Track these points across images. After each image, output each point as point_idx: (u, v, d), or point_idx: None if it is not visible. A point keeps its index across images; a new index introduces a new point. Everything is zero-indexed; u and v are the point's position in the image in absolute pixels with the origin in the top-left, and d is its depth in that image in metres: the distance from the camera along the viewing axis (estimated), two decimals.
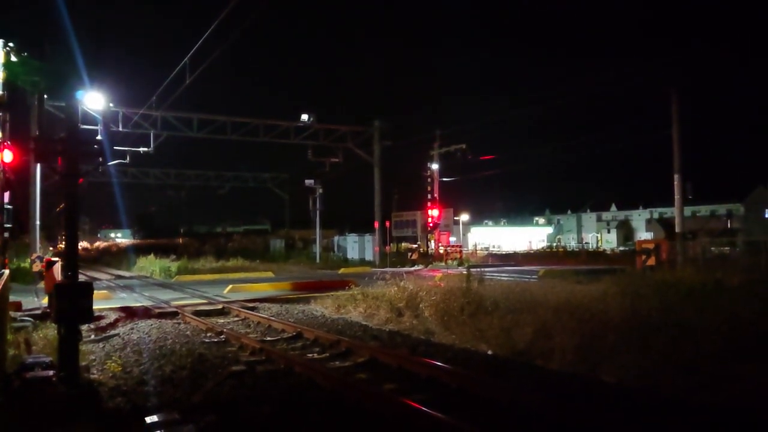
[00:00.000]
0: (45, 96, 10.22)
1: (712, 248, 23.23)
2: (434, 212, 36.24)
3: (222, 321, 13.16)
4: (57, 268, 12.32)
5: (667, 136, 23.82)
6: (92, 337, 11.01)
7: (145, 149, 31.65)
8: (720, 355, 7.40)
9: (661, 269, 16.64)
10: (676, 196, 23.87)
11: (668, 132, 23.76)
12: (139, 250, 39.54)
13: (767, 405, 6.15)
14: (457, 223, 52.21)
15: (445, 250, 37.15)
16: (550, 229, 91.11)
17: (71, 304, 6.80)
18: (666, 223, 61.48)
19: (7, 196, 10.96)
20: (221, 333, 11.10)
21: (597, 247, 66.83)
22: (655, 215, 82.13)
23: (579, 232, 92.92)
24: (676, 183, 23.74)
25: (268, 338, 10.82)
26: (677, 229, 23.71)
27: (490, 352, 9.11)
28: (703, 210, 74.04)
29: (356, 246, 42.53)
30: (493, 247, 62.60)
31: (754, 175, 71.19)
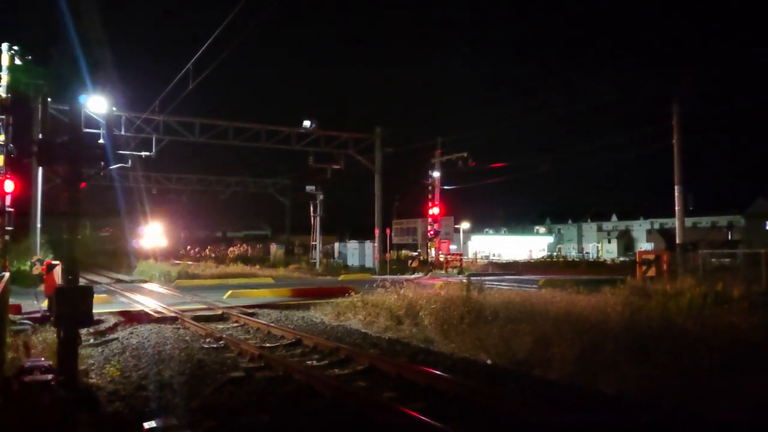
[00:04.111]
0: (48, 99, 10.26)
1: (713, 260, 23.19)
2: (435, 220, 36.23)
3: (221, 326, 13.14)
4: (57, 272, 12.32)
5: (669, 146, 23.85)
6: (91, 341, 11.00)
7: (147, 153, 31.69)
8: (720, 368, 7.38)
9: (662, 280, 16.58)
10: (677, 207, 23.86)
11: (670, 143, 23.78)
12: (139, 254, 39.53)
13: (764, 419, 6.14)
14: (457, 231, 52.17)
15: (446, 259, 37.09)
16: (550, 239, 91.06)
17: (71, 308, 6.80)
18: (667, 234, 61.52)
19: (9, 199, 10.99)
20: (220, 339, 11.09)
21: (597, 257, 66.83)
22: (656, 226, 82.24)
23: (579, 241, 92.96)
24: (676, 194, 23.73)
25: (268, 344, 10.80)
26: (678, 240, 23.68)
27: (489, 362, 9.09)
28: (704, 221, 74.17)
29: (356, 253, 42.50)
30: (494, 255, 62.53)
31: (755, 187, 71.27)
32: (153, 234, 43.19)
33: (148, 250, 42.49)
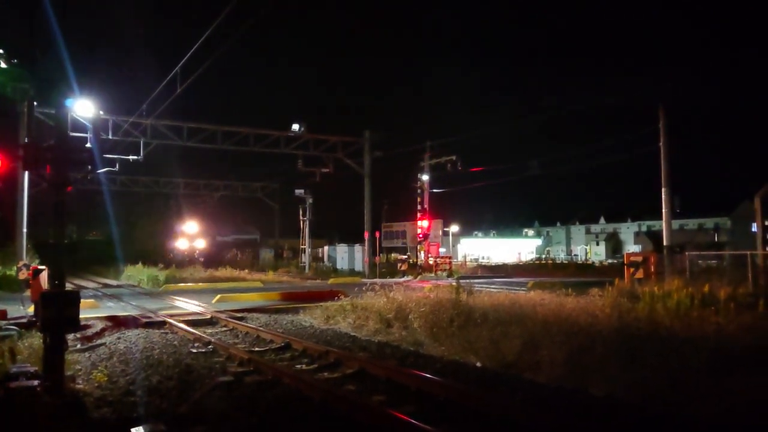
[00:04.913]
0: (35, 103, 10.18)
1: (700, 261, 23.35)
2: (424, 223, 36.26)
3: (210, 331, 13.08)
4: (43, 277, 12.21)
5: (656, 149, 24.01)
6: (78, 346, 10.90)
7: (135, 157, 31.56)
8: (707, 369, 7.44)
9: (649, 282, 16.68)
10: (664, 210, 24.02)
11: (657, 146, 23.95)
12: (127, 259, 39.23)
13: (755, 420, 6.19)
14: (446, 234, 52.28)
15: (435, 262, 37.14)
16: (539, 241, 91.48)
17: (57, 313, 6.74)
18: (654, 236, 61.90)
19: None
20: (209, 343, 11.03)
21: (586, 260, 67.21)
22: (644, 228, 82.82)
23: (568, 244, 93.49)
24: (664, 197, 23.90)
25: (257, 349, 10.76)
26: (665, 242, 23.84)
27: (479, 364, 9.10)
28: (691, 223, 74.75)
29: (346, 256, 42.47)
30: (483, 258, 62.73)
31: (741, 189, 71.91)
32: (189, 234, 41.66)
33: (183, 252, 41.17)
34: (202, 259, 41.98)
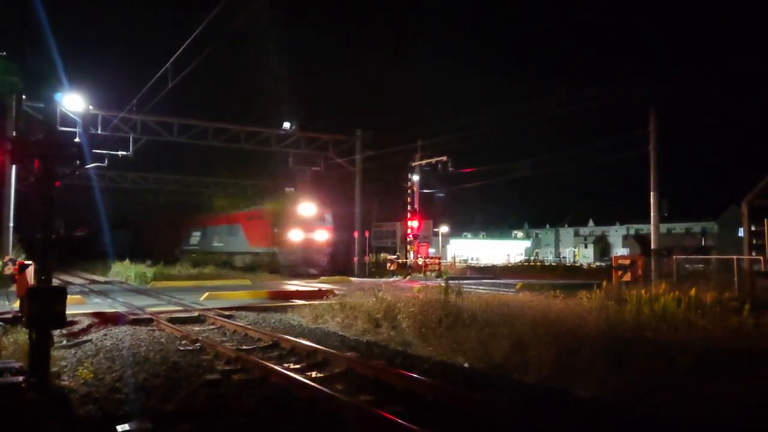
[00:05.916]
0: (23, 96, 10.09)
1: (687, 265, 23.53)
2: (414, 223, 36.28)
3: (198, 329, 13.01)
4: (30, 272, 12.09)
5: (645, 154, 24.16)
6: (64, 342, 10.82)
7: (124, 153, 31.37)
8: (693, 371, 7.49)
9: (637, 285, 16.78)
10: (652, 214, 24.20)
11: (646, 150, 24.10)
12: (114, 255, 38.97)
13: (743, 422, 6.23)
14: (436, 234, 52.37)
15: (424, 262, 37.13)
16: (528, 243, 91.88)
17: (44, 309, 6.68)
18: (642, 240, 62.38)
19: None
20: (196, 341, 10.98)
21: (574, 262, 67.54)
22: (632, 231, 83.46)
23: (557, 246, 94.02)
24: (652, 201, 24.06)
25: (244, 347, 10.71)
26: (653, 246, 24.03)
27: (466, 365, 9.11)
28: (678, 227, 75.39)
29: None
30: (472, 259, 62.86)
31: (729, 195, 72.55)
32: (305, 219, 32.89)
33: (295, 245, 32.59)
34: (326, 259, 32.57)
